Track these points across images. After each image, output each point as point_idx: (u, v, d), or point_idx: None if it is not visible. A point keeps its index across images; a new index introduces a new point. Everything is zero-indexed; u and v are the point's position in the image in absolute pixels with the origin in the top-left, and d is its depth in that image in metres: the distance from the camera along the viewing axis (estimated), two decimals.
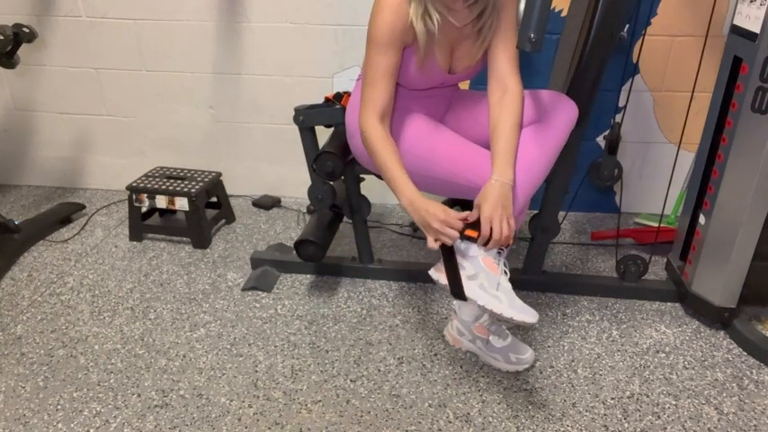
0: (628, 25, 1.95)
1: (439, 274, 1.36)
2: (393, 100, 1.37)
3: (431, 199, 1.30)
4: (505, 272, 1.33)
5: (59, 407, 1.40)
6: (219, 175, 2.23)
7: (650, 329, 1.68)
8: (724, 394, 1.44)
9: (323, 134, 1.72)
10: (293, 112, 1.68)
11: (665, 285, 1.80)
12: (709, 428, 1.34)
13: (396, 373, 1.50)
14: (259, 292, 1.84)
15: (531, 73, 2.12)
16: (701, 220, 1.63)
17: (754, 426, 1.35)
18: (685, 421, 1.36)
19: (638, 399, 1.43)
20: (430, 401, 1.41)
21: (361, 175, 1.76)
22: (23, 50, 1.99)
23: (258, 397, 1.43)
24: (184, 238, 2.16)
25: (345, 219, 1.92)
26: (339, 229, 1.96)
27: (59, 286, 1.87)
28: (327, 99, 1.69)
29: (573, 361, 1.55)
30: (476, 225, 1.30)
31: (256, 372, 1.51)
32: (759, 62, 1.39)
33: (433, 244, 1.29)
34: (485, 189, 1.31)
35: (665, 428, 1.34)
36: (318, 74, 2.22)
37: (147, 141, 2.44)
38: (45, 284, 1.88)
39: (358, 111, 1.50)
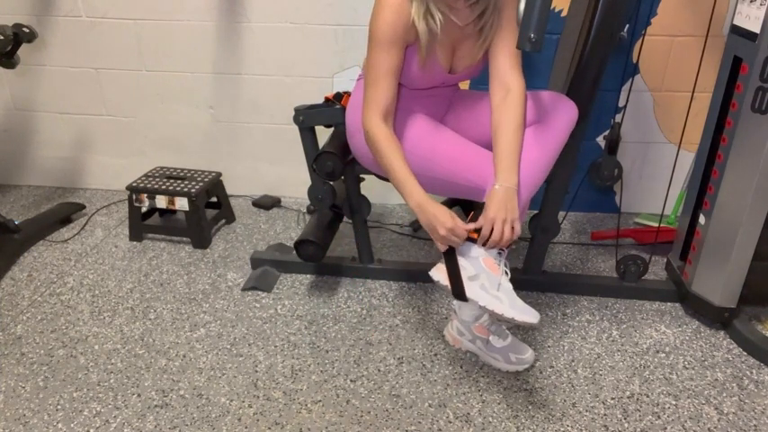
0: (628, 25, 1.95)
1: (440, 275, 1.36)
2: (396, 99, 1.37)
3: (436, 201, 1.31)
4: (506, 272, 1.33)
5: (59, 407, 1.40)
6: (219, 175, 2.23)
7: (650, 329, 1.68)
8: (724, 394, 1.44)
9: (323, 134, 1.72)
10: (293, 112, 1.68)
11: (665, 285, 1.80)
12: (709, 428, 1.34)
13: (396, 373, 1.50)
14: (259, 292, 1.84)
15: (531, 73, 2.12)
16: (701, 220, 1.63)
17: (754, 426, 1.35)
18: (685, 421, 1.36)
19: (638, 399, 1.43)
20: (430, 401, 1.41)
21: (361, 175, 1.76)
22: (23, 50, 1.99)
23: (258, 397, 1.43)
24: (184, 238, 2.16)
25: (345, 219, 1.92)
26: (339, 229, 1.96)
27: (59, 286, 1.87)
28: (327, 99, 1.69)
29: (573, 361, 1.55)
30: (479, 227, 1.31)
31: (256, 372, 1.51)
32: (759, 62, 1.39)
33: (442, 248, 1.30)
34: (489, 195, 1.31)
35: (665, 428, 1.34)
36: (318, 74, 2.22)
37: (147, 141, 2.44)
38: (45, 284, 1.88)
39: (358, 111, 1.50)
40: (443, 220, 1.27)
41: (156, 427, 1.34)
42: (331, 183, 1.72)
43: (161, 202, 2.08)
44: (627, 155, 2.23)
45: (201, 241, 2.10)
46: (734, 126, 1.48)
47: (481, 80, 1.60)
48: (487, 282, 1.29)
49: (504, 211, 1.28)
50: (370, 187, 1.91)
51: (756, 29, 1.39)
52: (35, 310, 1.75)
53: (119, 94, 2.36)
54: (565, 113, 1.39)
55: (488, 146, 1.43)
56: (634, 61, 2.06)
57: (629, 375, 1.50)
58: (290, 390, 1.45)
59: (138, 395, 1.43)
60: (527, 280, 1.83)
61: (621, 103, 2.13)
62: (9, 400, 1.42)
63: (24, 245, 2.07)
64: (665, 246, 2.00)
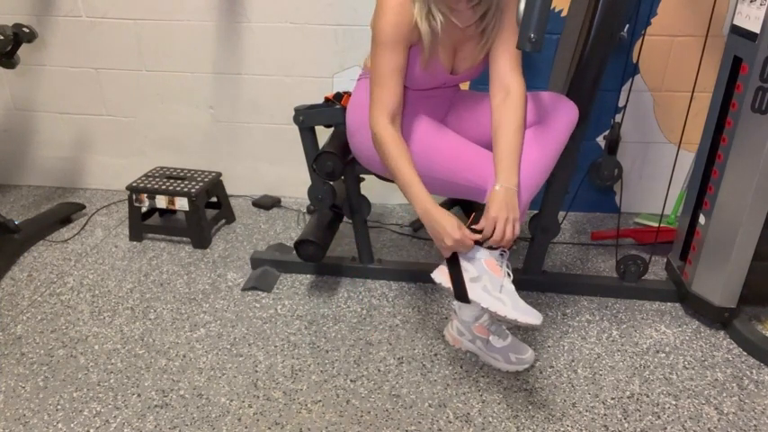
0: (628, 25, 1.95)
1: (442, 277, 1.36)
2: (402, 99, 1.37)
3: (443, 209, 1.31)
4: (508, 274, 1.33)
5: (59, 407, 1.40)
6: (219, 175, 2.23)
7: (650, 329, 1.68)
8: (724, 394, 1.44)
9: (323, 134, 1.72)
10: (293, 112, 1.68)
11: (665, 285, 1.80)
12: (709, 428, 1.34)
13: (396, 373, 1.50)
14: (259, 292, 1.84)
15: (531, 73, 2.12)
16: (701, 220, 1.63)
17: (754, 426, 1.35)
18: (685, 421, 1.36)
19: (638, 399, 1.43)
20: (430, 401, 1.41)
21: (361, 175, 1.76)
22: (23, 50, 1.99)
23: (258, 397, 1.43)
24: (184, 238, 2.16)
25: (345, 219, 1.92)
26: (339, 229, 1.96)
27: (59, 286, 1.87)
28: (327, 99, 1.69)
29: (573, 361, 1.55)
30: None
31: (256, 372, 1.51)
32: (759, 62, 1.39)
33: (446, 254, 1.31)
34: (491, 195, 1.31)
35: (665, 428, 1.34)
36: (318, 74, 2.22)
37: (147, 141, 2.44)
38: (45, 284, 1.88)
39: (359, 111, 1.50)
40: (451, 232, 1.27)
41: (156, 427, 1.34)
42: (331, 183, 1.72)
43: (161, 202, 2.08)
44: (627, 155, 2.23)
45: (201, 241, 2.10)
46: (734, 126, 1.48)
47: (481, 81, 1.60)
48: (490, 283, 1.29)
49: (505, 210, 1.28)
50: (370, 187, 1.91)
51: (756, 29, 1.39)
52: (35, 310, 1.75)
53: (119, 94, 2.36)
54: (565, 114, 1.39)
55: (489, 146, 1.43)
56: (634, 61, 2.06)
57: (629, 375, 1.50)
58: (290, 390, 1.45)
59: (138, 395, 1.43)
60: (527, 280, 1.83)
61: (621, 103, 2.13)
62: (9, 400, 1.42)
63: (24, 245, 2.07)
64: (665, 246, 2.00)
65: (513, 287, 1.31)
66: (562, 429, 1.34)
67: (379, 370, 1.51)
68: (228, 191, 2.33)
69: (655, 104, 2.15)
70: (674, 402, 1.42)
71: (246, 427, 1.34)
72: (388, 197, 2.43)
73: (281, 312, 1.74)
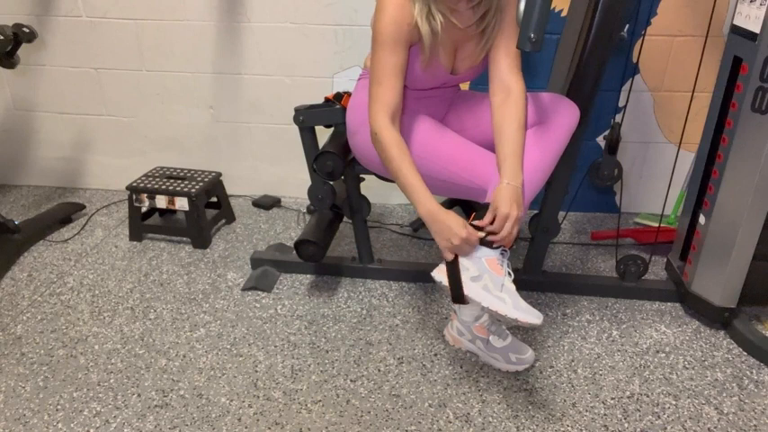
0: (628, 25, 1.95)
1: (441, 276, 1.36)
2: (402, 99, 1.37)
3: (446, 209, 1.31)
4: (509, 273, 1.33)
5: (59, 407, 1.40)
6: (219, 175, 2.23)
7: (650, 329, 1.68)
8: (724, 394, 1.44)
9: (323, 134, 1.72)
10: (293, 112, 1.68)
11: (665, 285, 1.80)
12: (709, 428, 1.34)
13: (396, 373, 1.50)
14: (259, 292, 1.84)
15: (531, 73, 2.12)
16: (701, 220, 1.63)
17: (754, 426, 1.35)
18: (685, 421, 1.36)
19: (638, 399, 1.43)
20: (430, 401, 1.41)
21: (361, 175, 1.76)
22: (23, 50, 1.99)
23: (258, 397, 1.43)
24: (184, 238, 2.16)
25: (345, 219, 1.92)
26: (339, 229, 1.96)
27: (59, 286, 1.87)
28: (327, 99, 1.69)
29: (573, 361, 1.55)
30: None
31: (256, 372, 1.51)
32: (759, 62, 1.39)
33: (449, 256, 1.30)
34: (498, 192, 1.31)
35: (665, 428, 1.34)
36: (318, 74, 2.22)
37: (147, 141, 2.44)
38: (45, 284, 1.88)
39: (359, 111, 1.50)
40: (457, 231, 1.27)
41: (156, 427, 1.34)
42: (331, 183, 1.72)
43: (161, 202, 2.08)
44: (627, 155, 2.23)
45: (201, 241, 2.10)
46: (734, 126, 1.48)
47: (481, 81, 1.60)
48: (490, 282, 1.29)
49: (516, 208, 1.29)
50: (370, 187, 1.91)
51: (756, 29, 1.39)
52: (35, 310, 1.75)
53: (119, 94, 2.36)
54: (566, 115, 1.40)
55: (489, 146, 1.43)
56: (634, 61, 2.06)
57: (629, 375, 1.50)
58: (290, 390, 1.45)
59: (138, 395, 1.43)
60: (527, 280, 1.83)
61: (621, 103, 2.13)
62: (9, 400, 1.42)
63: (24, 245, 2.07)
64: (665, 246, 2.00)
65: (513, 286, 1.31)
66: (562, 429, 1.34)
67: (379, 370, 1.51)
68: (228, 191, 2.33)
69: (655, 104, 2.15)
70: (674, 402, 1.42)
71: (246, 427, 1.34)
72: (388, 197, 2.43)
73: (281, 312, 1.74)
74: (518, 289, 1.32)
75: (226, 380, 1.48)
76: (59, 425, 1.34)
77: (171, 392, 1.44)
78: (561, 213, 1.77)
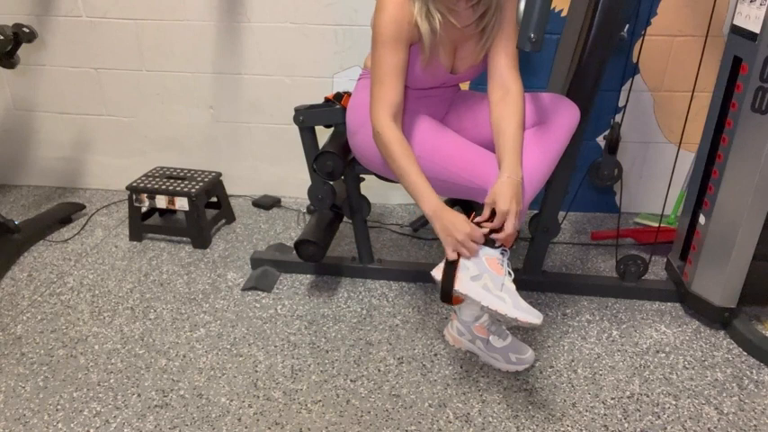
0: (628, 25, 1.95)
1: (440, 274, 1.35)
2: (404, 98, 1.37)
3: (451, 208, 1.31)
4: (510, 273, 1.32)
5: (59, 407, 1.40)
6: (219, 175, 2.23)
7: (650, 329, 1.68)
8: (724, 394, 1.44)
9: (323, 134, 1.72)
10: (293, 112, 1.68)
11: (665, 285, 1.80)
12: (709, 428, 1.34)
13: (396, 373, 1.50)
14: (259, 292, 1.84)
15: (531, 73, 2.12)
16: (701, 220, 1.63)
17: (754, 426, 1.35)
18: (685, 421, 1.36)
19: (638, 399, 1.43)
20: (430, 401, 1.41)
21: (361, 175, 1.76)
22: (23, 50, 1.99)
23: (258, 397, 1.43)
24: (184, 238, 2.16)
25: (345, 219, 1.92)
26: (339, 229, 1.96)
27: (59, 286, 1.87)
28: (327, 99, 1.69)
29: (573, 361, 1.55)
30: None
31: (256, 372, 1.51)
32: (759, 62, 1.39)
33: (452, 255, 1.30)
34: (497, 186, 1.31)
35: (665, 428, 1.34)
36: (318, 74, 2.22)
37: (147, 141, 2.44)
38: (45, 284, 1.88)
39: (359, 111, 1.50)
40: (461, 228, 1.27)
41: (156, 427, 1.34)
42: (331, 183, 1.72)
43: (161, 202, 2.08)
44: (627, 155, 2.23)
45: (201, 241, 2.10)
46: (734, 126, 1.48)
47: (481, 81, 1.60)
48: (491, 282, 1.29)
49: (515, 204, 1.29)
50: (370, 187, 1.91)
51: (756, 29, 1.39)
52: (35, 310, 1.75)
53: (119, 94, 2.36)
54: (566, 116, 1.40)
55: (489, 146, 1.43)
56: (634, 61, 2.06)
57: (629, 375, 1.50)
58: (290, 390, 1.45)
59: (138, 395, 1.43)
60: (527, 280, 1.83)
61: (621, 103, 2.13)
62: (9, 400, 1.42)
63: (24, 245, 2.07)
64: (665, 246, 2.00)
65: (513, 286, 1.31)
66: (562, 429, 1.34)
67: (379, 370, 1.51)
68: (228, 191, 2.33)
69: (655, 104, 2.15)
70: (674, 402, 1.42)
71: (246, 427, 1.34)
72: (388, 197, 2.43)
73: (281, 312, 1.74)
74: (518, 289, 1.31)
75: (226, 380, 1.48)
76: (59, 425, 1.34)
77: (171, 392, 1.44)
78: (561, 213, 1.77)
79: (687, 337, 1.65)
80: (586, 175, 1.71)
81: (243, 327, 1.68)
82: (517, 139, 1.35)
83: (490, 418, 1.36)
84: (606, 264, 2.01)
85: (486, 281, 1.29)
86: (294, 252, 1.76)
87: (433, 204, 1.31)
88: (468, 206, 1.99)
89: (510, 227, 1.28)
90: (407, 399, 1.42)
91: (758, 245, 1.54)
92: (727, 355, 1.58)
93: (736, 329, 1.62)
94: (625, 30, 1.95)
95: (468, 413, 1.38)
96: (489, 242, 1.32)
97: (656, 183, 2.28)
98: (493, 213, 1.31)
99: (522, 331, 1.65)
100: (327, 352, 1.58)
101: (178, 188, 2.07)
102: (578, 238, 2.18)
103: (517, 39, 1.31)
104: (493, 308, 1.26)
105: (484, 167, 1.37)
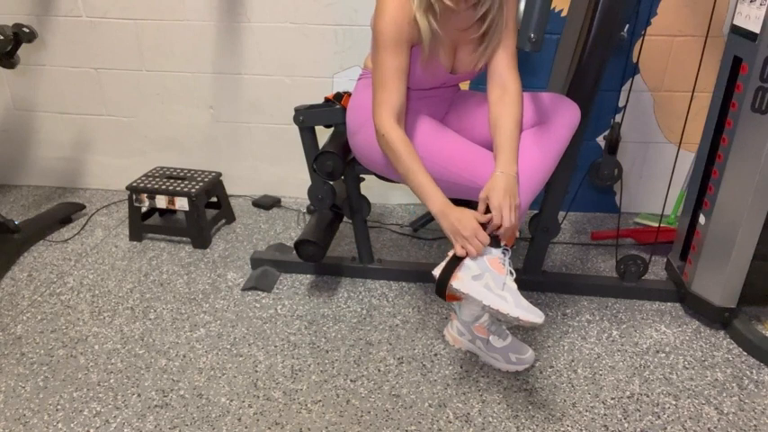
0: (628, 25, 1.95)
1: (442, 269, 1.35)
2: (406, 99, 1.37)
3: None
4: (511, 272, 1.32)
5: (59, 407, 1.40)
6: (219, 175, 2.23)
7: (650, 329, 1.68)
8: (724, 394, 1.44)
9: (323, 134, 1.72)
10: (293, 112, 1.68)
11: (665, 285, 1.80)
12: (709, 428, 1.34)
13: (396, 373, 1.50)
14: (259, 292, 1.84)
15: (531, 73, 2.12)
16: (701, 220, 1.63)
17: (754, 426, 1.35)
18: (685, 421, 1.36)
19: (638, 399, 1.43)
20: (430, 401, 1.41)
21: (361, 175, 1.76)
22: (23, 50, 1.99)
23: (258, 397, 1.43)
24: (184, 238, 2.16)
25: (345, 219, 1.92)
26: (339, 229, 1.96)
27: (59, 286, 1.87)
28: (327, 99, 1.69)
29: (573, 361, 1.55)
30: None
31: (256, 372, 1.51)
32: (759, 62, 1.39)
33: (461, 251, 1.29)
34: (491, 182, 1.31)
35: (665, 428, 1.34)
36: (318, 74, 2.22)
37: (147, 141, 2.44)
38: (45, 284, 1.88)
39: (359, 111, 1.50)
40: (468, 224, 1.27)
41: (156, 427, 1.34)
42: (331, 183, 1.72)
43: (161, 202, 2.08)
44: (627, 155, 2.23)
45: (201, 241, 2.10)
46: (734, 126, 1.48)
47: (481, 80, 1.60)
48: (492, 281, 1.29)
49: (508, 198, 1.29)
50: (370, 187, 1.91)
51: (756, 29, 1.39)
52: (35, 310, 1.75)
53: (119, 94, 2.36)
54: (567, 116, 1.39)
55: (488, 146, 1.43)
56: (634, 61, 2.06)
57: (629, 375, 1.50)
58: (290, 390, 1.45)
59: (138, 395, 1.43)
60: (527, 280, 1.83)
61: (621, 103, 2.13)
62: (9, 400, 1.42)
63: (24, 245, 2.07)
64: (665, 246, 2.00)
65: (515, 285, 1.31)
66: (562, 429, 1.34)
67: (379, 370, 1.51)
68: (228, 191, 2.33)
69: (655, 104, 2.15)
70: (674, 402, 1.42)
71: (246, 427, 1.34)
72: (388, 197, 2.43)
73: (281, 312, 1.74)
74: (518, 289, 1.31)
75: (226, 380, 1.48)
76: (59, 425, 1.34)
77: (171, 392, 1.44)
78: (561, 213, 1.77)
79: (687, 337, 1.65)
80: (586, 175, 1.71)
81: (243, 327, 1.68)
82: (513, 135, 1.35)
83: (490, 418, 1.36)
84: (606, 264, 2.01)
85: (488, 280, 1.29)
86: (294, 252, 1.76)
87: (440, 203, 1.31)
88: (468, 206, 1.99)
89: (507, 220, 1.28)
90: (407, 399, 1.42)
91: (758, 245, 1.54)
92: (727, 355, 1.58)
93: (736, 329, 1.62)
94: (625, 30, 1.96)
95: (468, 413, 1.38)
96: (494, 240, 1.32)
97: (656, 183, 2.28)
98: (488, 210, 1.32)
99: (522, 331, 1.65)
100: (327, 352, 1.58)
101: (178, 188, 2.07)
102: (578, 238, 2.18)
103: (517, 39, 1.31)
104: (494, 307, 1.26)
105: (484, 167, 1.37)
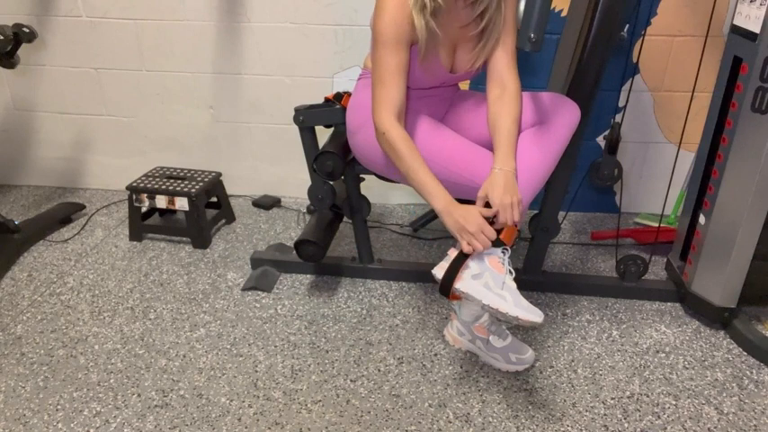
0: (628, 25, 1.95)
1: (441, 272, 1.35)
2: (406, 98, 1.37)
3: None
4: (511, 271, 1.32)
5: (59, 407, 1.40)
6: (219, 175, 2.23)
7: (650, 329, 1.68)
8: (724, 394, 1.44)
9: (323, 134, 1.72)
10: (293, 112, 1.68)
11: (665, 285, 1.80)
12: (709, 428, 1.34)
13: (396, 373, 1.50)
14: (259, 292, 1.84)
15: (531, 73, 2.12)
16: (701, 220, 1.63)
17: (754, 426, 1.35)
18: (685, 421, 1.36)
19: (638, 399, 1.43)
20: (430, 401, 1.41)
21: (361, 175, 1.76)
22: (23, 50, 1.99)
23: (258, 397, 1.43)
24: (184, 238, 2.16)
25: (345, 219, 1.92)
26: (339, 229, 1.96)
27: (59, 286, 1.87)
28: (327, 99, 1.69)
29: (573, 361, 1.55)
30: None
31: (256, 372, 1.51)
32: (759, 62, 1.39)
33: (467, 248, 1.29)
34: (489, 179, 1.32)
35: (665, 428, 1.34)
36: (318, 74, 2.22)
37: (147, 141, 2.44)
38: (45, 284, 1.88)
39: (359, 111, 1.50)
40: (473, 220, 1.27)
41: (156, 427, 1.34)
42: (331, 183, 1.72)
43: (161, 202, 2.08)
44: (627, 155, 2.23)
45: (201, 241, 2.10)
46: (734, 126, 1.48)
47: (481, 80, 1.60)
48: (492, 280, 1.29)
49: (508, 195, 1.29)
50: (370, 187, 1.91)
51: (756, 29, 1.39)
52: (35, 310, 1.75)
53: (119, 94, 2.36)
54: (567, 116, 1.39)
55: (488, 146, 1.43)
56: (634, 61, 2.06)
57: (629, 375, 1.50)
58: (290, 390, 1.45)
59: (138, 395, 1.43)
60: (527, 280, 1.83)
61: (621, 103, 2.13)
62: (9, 400, 1.42)
63: (24, 245, 2.07)
64: (665, 246, 2.00)
65: (514, 285, 1.31)
66: (562, 429, 1.34)
67: (379, 370, 1.51)
68: (228, 191, 2.33)
69: (655, 104, 2.15)
70: (674, 402, 1.42)
71: (246, 427, 1.34)
72: (388, 197, 2.43)
73: (281, 312, 1.74)
74: (518, 289, 1.31)
75: (226, 380, 1.48)
76: (59, 425, 1.34)
77: (171, 392, 1.44)
78: (561, 213, 1.77)
79: (687, 337, 1.65)
80: (586, 175, 1.71)
81: (243, 327, 1.68)
82: (511, 133, 1.35)
83: (490, 418, 1.36)
84: (606, 264, 2.01)
85: (488, 279, 1.29)
86: (294, 252, 1.76)
87: (443, 200, 1.31)
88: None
89: (510, 216, 1.29)
90: (407, 399, 1.42)
91: (758, 245, 1.54)
92: (727, 355, 1.58)
93: (736, 329, 1.62)
94: (625, 30, 1.96)
95: (468, 413, 1.38)
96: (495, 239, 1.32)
97: (656, 183, 2.28)
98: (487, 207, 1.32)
99: (521, 331, 1.65)
100: (327, 352, 1.58)
101: (178, 188, 2.07)
102: (578, 238, 2.18)
103: (517, 38, 1.31)
104: (494, 306, 1.26)
105: (483, 167, 1.37)
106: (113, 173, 2.52)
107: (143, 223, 2.16)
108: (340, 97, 1.66)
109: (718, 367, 1.53)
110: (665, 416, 1.38)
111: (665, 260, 1.89)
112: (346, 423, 1.35)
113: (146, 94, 2.35)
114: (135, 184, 2.10)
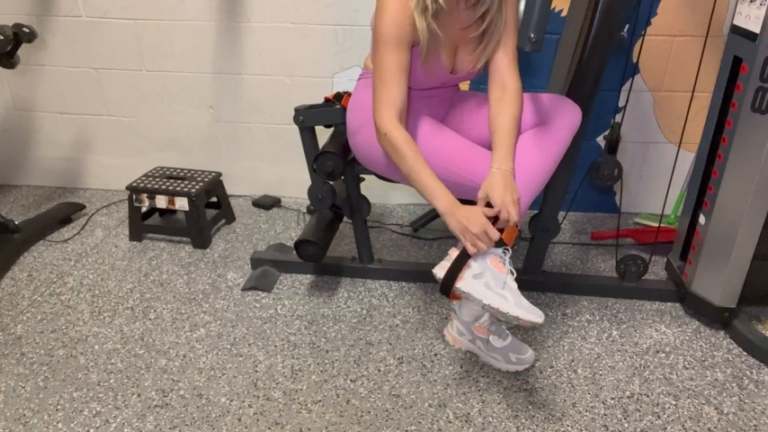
0: (628, 25, 1.95)
1: (442, 272, 1.35)
2: (407, 98, 1.37)
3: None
4: (511, 271, 1.32)
5: (59, 407, 1.40)
6: (219, 175, 2.23)
7: (650, 329, 1.68)
8: (724, 394, 1.44)
9: (323, 134, 1.72)
10: (293, 112, 1.68)
11: (665, 285, 1.80)
12: (709, 428, 1.34)
13: (396, 373, 1.50)
14: (259, 292, 1.84)
15: (531, 73, 2.12)
16: (701, 220, 1.63)
17: (754, 426, 1.35)
18: (685, 421, 1.36)
19: (638, 399, 1.43)
20: (430, 401, 1.41)
21: (361, 175, 1.76)
22: (23, 50, 1.99)
23: (258, 397, 1.43)
24: (184, 238, 2.16)
25: (345, 219, 1.92)
26: (339, 229, 1.96)
27: (59, 286, 1.87)
28: (327, 99, 1.69)
29: (573, 361, 1.55)
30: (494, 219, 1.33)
31: (256, 372, 1.51)
32: (759, 62, 1.39)
33: (472, 249, 1.29)
34: (488, 179, 1.32)
35: (665, 428, 1.34)
36: (318, 74, 2.22)
37: (147, 141, 2.44)
38: (45, 284, 1.88)
39: (359, 111, 1.50)
40: (476, 221, 1.27)
41: (156, 427, 1.34)
42: (331, 183, 1.72)
43: (161, 202, 2.08)
44: (627, 155, 2.23)
45: (201, 241, 2.10)
46: (734, 126, 1.48)
47: (481, 80, 1.60)
48: (492, 280, 1.29)
49: (509, 193, 1.29)
50: (370, 187, 1.91)
51: (756, 29, 1.39)
52: (35, 310, 1.75)
53: (119, 94, 2.36)
54: (568, 117, 1.39)
55: (488, 147, 1.43)
56: (634, 61, 2.06)
57: (629, 375, 1.50)
58: (290, 390, 1.45)
59: (138, 395, 1.43)
60: (527, 280, 1.83)
61: (621, 103, 2.13)
62: (9, 400, 1.42)
63: (24, 245, 2.07)
64: (665, 246, 2.00)
65: (515, 285, 1.31)
66: (562, 429, 1.34)
67: (379, 370, 1.51)
68: (228, 191, 2.33)
69: (655, 104, 2.15)
70: (674, 402, 1.42)
71: (246, 427, 1.34)
72: (388, 197, 2.43)
73: (281, 312, 1.74)
74: (519, 289, 1.31)
75: (226, 380, 1.48)
76: (59, 425, 1.34)
77: (171, 392, 1.44)
78: (561, 213, 1.77)
79: (687, 337, 1.65)
80: (586, 175, 1.71)
81: (243, 327, 1.68)
82: (510, 132, 1.35)
83: (490, 418, 1.36)
84: (606, 264, 2.01)
85: (489, 279, 1.29)
86: (294, 252, 1.76)
87: (446, 201, 1.31)
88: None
89: (512, 215, 1.29)
90: (407, 399, 1.42)
91: (758, 245, 1.54)
92: (727, 355, 1.58)
93: (736, 329, 1.62)
94: (625, 30, 1.96)
95: (468, 413, 1.38)
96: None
97: (656, 183, 2.28)
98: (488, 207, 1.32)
99: (521, 331, 1.65)
100: (327, 352, 1.58)
101: (178, 188, 2.07)
102: (578, 238, 2.18)
103: (517, 39, 1.31)
104: (494, 306, 1.26)
105: (484, 167, 1.37)
106: (113, 173, 2.52)
107: (143, 223, 2.16)
108: (340, 97, 1.66)
109: (718, 367, 1.53)
110: (665, 416, 1.38)
111: (665, 260, 1.89)
112: (346, 423, 1.35)
113: (146, 94, 2.35)
114: (135, 184, 2.10)
